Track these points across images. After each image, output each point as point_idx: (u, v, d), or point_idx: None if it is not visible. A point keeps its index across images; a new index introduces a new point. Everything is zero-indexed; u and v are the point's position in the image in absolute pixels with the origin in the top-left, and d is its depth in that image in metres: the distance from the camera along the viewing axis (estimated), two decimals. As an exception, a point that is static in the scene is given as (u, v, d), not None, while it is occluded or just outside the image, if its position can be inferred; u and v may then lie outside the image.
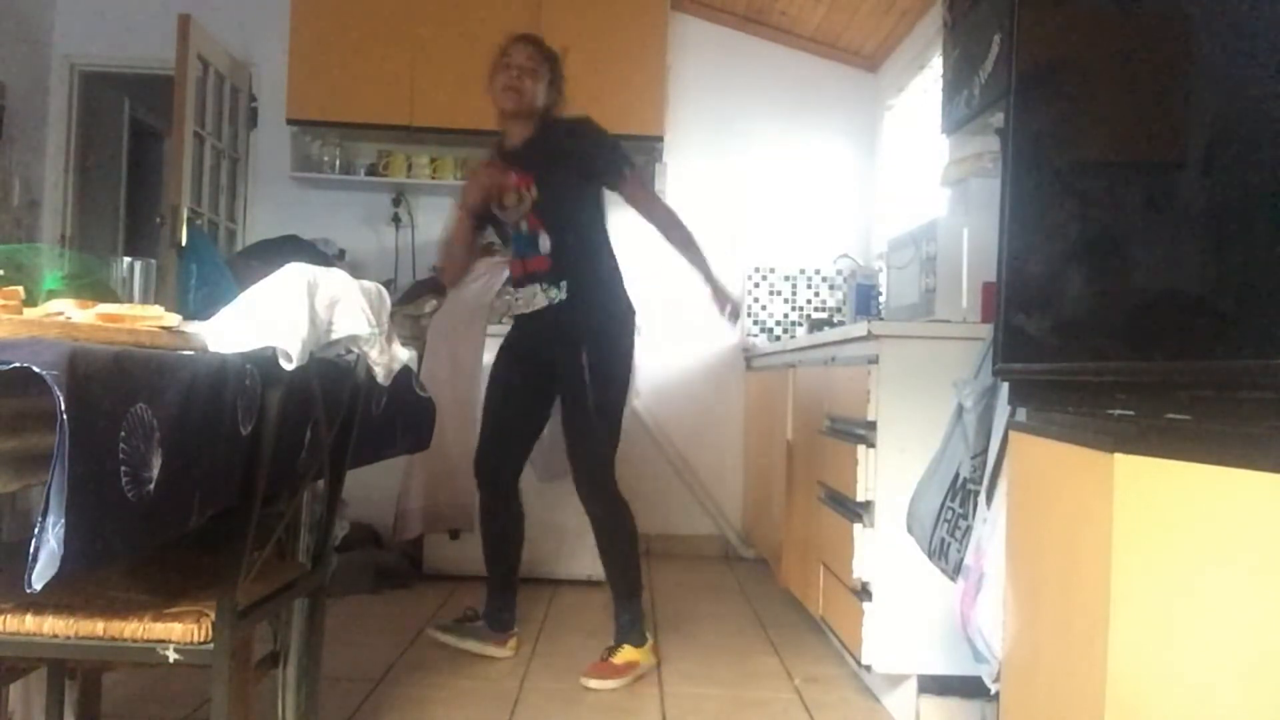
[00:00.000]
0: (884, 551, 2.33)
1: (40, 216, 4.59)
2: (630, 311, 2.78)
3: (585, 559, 3.72)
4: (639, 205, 2.78)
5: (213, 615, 1.32)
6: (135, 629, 1.30)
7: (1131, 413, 1.24)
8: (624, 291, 2.78)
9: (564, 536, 3.77)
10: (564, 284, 2.68)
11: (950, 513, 1.98)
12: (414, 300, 3.96)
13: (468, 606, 2.92)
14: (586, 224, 2.75)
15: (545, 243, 2.69)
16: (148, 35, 4.45)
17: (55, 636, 1.29)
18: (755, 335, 4.73)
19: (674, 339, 4.51)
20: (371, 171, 4.64)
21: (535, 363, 2.76)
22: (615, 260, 2.79)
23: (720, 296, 2.77)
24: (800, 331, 4.66)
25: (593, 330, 2.69)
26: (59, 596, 1.29)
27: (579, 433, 2.69)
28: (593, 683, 2.57)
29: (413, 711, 2.32)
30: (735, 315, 2.80)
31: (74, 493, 0.92)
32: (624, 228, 2.91)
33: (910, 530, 2.11)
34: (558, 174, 2.70)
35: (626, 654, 2.66)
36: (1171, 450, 1.10)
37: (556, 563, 3.78)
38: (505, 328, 3.78)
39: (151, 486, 1.04)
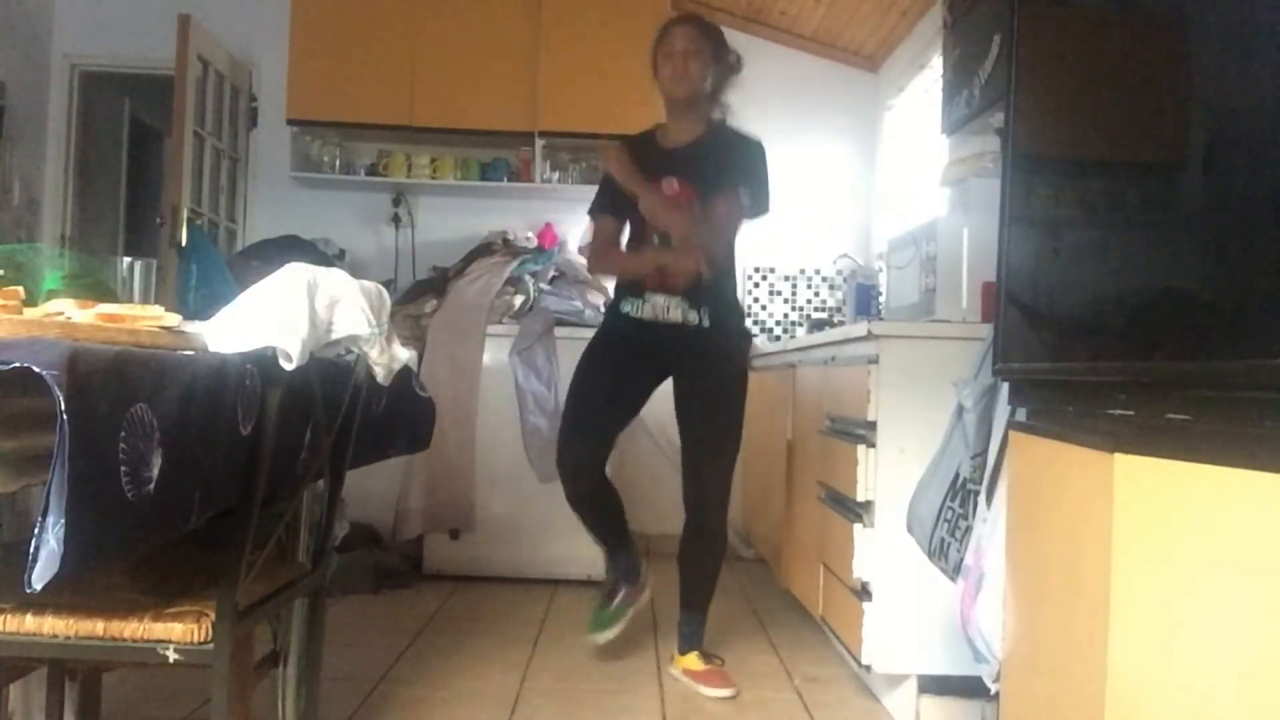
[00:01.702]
0: (884, 551, 2.33)
1: (40, 216, 4.59)
2: (750, 337, 2.84)
3: (585, 559, 3.72)
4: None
5: (213, 615, 1.32)
6: (135, 629, 1.30)
7: (1131, 413, 1.24)
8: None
9: (564, 536, 3.76)
10: (705, 310, 2.60)
11: (950, 513, 1.98)
12: (414, 300, 3.97)
13: (602, 584, 2.87)
14: (731, 249, 2.68)
15: None
16: (148, 35, 4.45)
17: (55, 636, 1.29)
18: (755, 335, 4.73)
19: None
20: (371, 171, 4.65)
21: (652, 366, 2.69)
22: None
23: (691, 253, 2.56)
24: (800, 331, 4.66)
25: (735, 353, 2.69)
26: (59, 596, 1.29)
27: (715, 451, 2.64)
28: (716, 691, 2.54)
29: (413, 711, 2.32)
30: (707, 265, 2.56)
31: (74, 493, 0.92)
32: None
33: (910, 530, 2.11)
34: (723, 194, 2.59)
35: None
36: (1171, 450, 1.10)
37: (556, 563, 3.78)
38: (505, 328, 3.82)
39: (151, 486, 1.04)
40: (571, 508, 2.74)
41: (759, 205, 2.63)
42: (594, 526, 2.82)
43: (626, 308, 2.67)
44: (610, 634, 2.76)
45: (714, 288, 2.60)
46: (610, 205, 2.74)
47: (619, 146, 2.69)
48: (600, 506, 2.76)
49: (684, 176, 2.61)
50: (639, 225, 2.67)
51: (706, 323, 2.60)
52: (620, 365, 2.69)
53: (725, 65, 2.69)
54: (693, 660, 2.65)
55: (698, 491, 2.68)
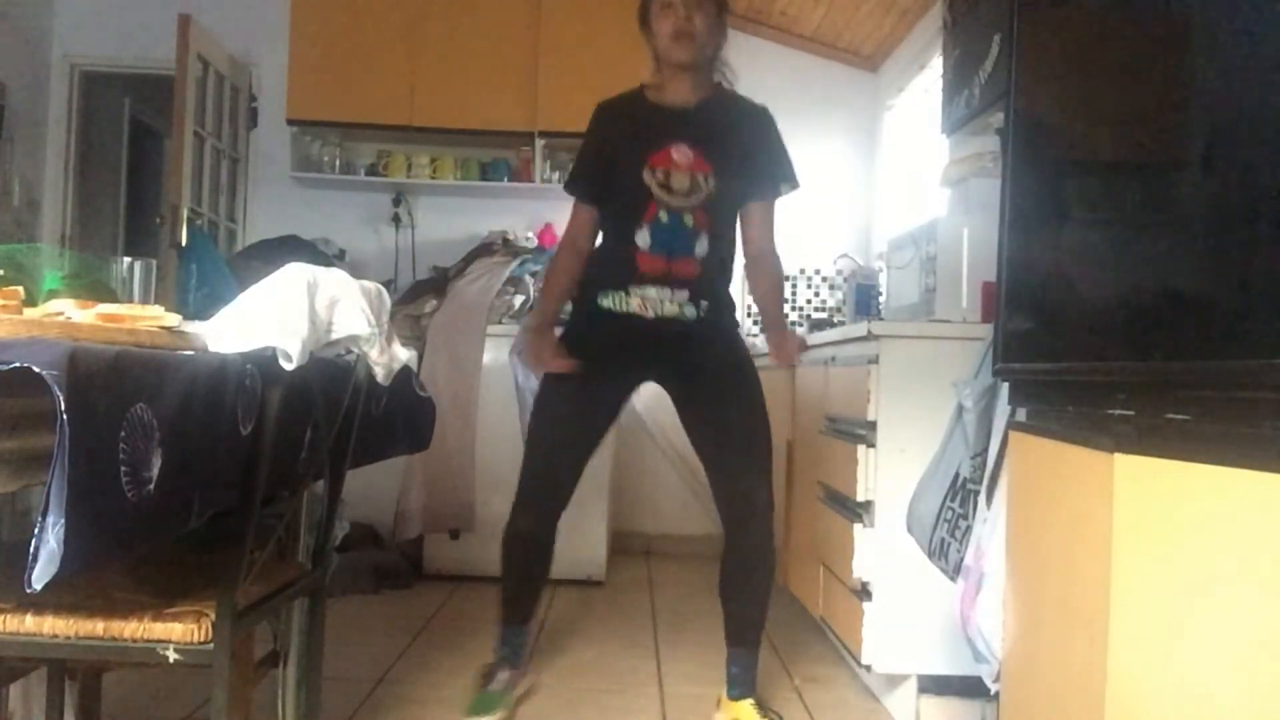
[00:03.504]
0: (884, 551, 2.33)
1: (40, 216, 4.59)
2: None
3: (585, 559, 3.72)
4: (754, 229, 2.36)
5: (213, 615, 1.32)
6: (135, 629, 1.30)
7: (1131, 413, 1.24)
8: None
9: (564, 536, 3.76)
10: (704, 304, 2.26)
11: (950, 513, 1.98)
12: (414, 300, 3.97)
13: (482, 665, 2.43)
14: (734, 233, 2.35)
15: (704, 246, 2.25)
16: (148, 35, 4.45)
17: (55, 636, 1.29)
18: (755, 335, 4.73)
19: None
20: (371, 171, 4.65)
21: (632, 374, 2.36)
22: None
23: (789, 341, 2.34)
24: (800, 331, 4.66)
25: (739, 339, 2.39)
26: (59, 596, 1.29)
27: (748, 446, 2.25)
28: None
29: (413, 711, 2.32)
30: (803, 348, 2.39)
31: (74, 492, 0.92)
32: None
33: (910, 530, 2.11)
34: (737, 169, 2.27)
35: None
36: (1171, 450, 1.10)
37: (556, 563, 3.75)
38: (505, 328, 3.81)
39: (151, 486, 1.04)
40: (504, 547, 2.38)
41: (792, 181, 2.38)
42: (514, 580, 2.41)
43: (606, 303, 2.26)
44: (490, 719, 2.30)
45: (716, 280, 2.30)
46: (591, 180, 2.34)
47: (632, 101, 2.35)
48: (534, 560, 2.39)
49: (695, 143, 2.24)
50: (635, 204, 2.23)
51: (705, 315, 2.27)
52: (594, 385, 2.29)
53: (723, 31, 2.36)
54: (748, 712, 2.25)
55: (739, 502, 2.25)
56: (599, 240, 2.38)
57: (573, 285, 2.37)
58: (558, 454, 2.32)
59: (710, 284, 2.28)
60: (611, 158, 2.29)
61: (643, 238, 2.23)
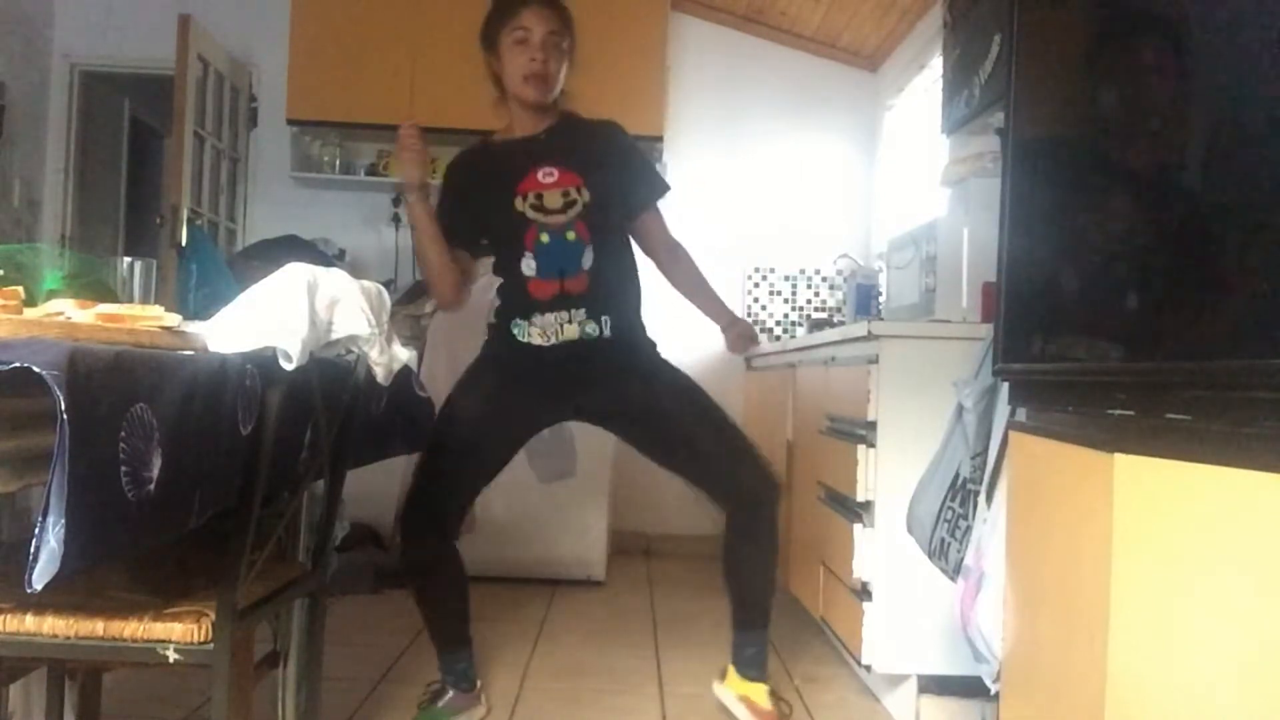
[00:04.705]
0: (884, 551, 2.33)
1: (40, 216, 4.60)
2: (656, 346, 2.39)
3: (586, 559, 3.72)
4: (653, 237, 2.37)
5: (213, 615, 1.32)
6: (135, 629, 1.30)
7: (1131, 413, 1.24)
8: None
9: (564, 536, 3.77)
10: (606, 319, 2.19)
11: (950, 513, 1.98)
12: (414, 300, 3.97)
13: (429, 683, 2.37)
14: (625, 245, 2.32)
15: (590, 258, 2.19)
16: (148, 35, 4.45)
17: (55, 636, 1.29)
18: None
19: (672, 339, 4.50)
20: (371, 171, 4.65)
21: (546, 407, 2.32)
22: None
23: (736, 329, 2.40)
24: (800, 331, 4.66)
25: (651, 347, 2.34)
26: (59, 596, 1.29)
27: (711, 423, 2.24)
28: None
29: (413, 711, 2.32)
30: (752, 341, 2.44)
31: (74, 493, 0.92)
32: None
33: (910, 530, 2.11)
34: (608, 177, 2.24)
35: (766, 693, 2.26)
36: (1171, 450, 1.10)
37: (557, 563, 3.78)
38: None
39: (151, 486, 1.04)
40: (406, 577, 2.33)
41: (663, 185, 2.37)
42: (430, 607, 2.30)
43: (516, 331, 2.21)
44: None
45: (614, 292, 2.23)
46: (452, 230, 2.26)
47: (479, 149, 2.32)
48: (441, 582, 2.28)
49: (558, 161, 2.21)
50: (514, 235, 2.20)
51: (608, 332, 2.19)
52: (503, 408, 2.24)
53: (571, 61, 2.26)
54: (759, 693, 2.24)
55: (727, 479, 2.22)
56: (499, 282, 2.33)
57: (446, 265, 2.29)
58: (462, 449, 2.21)
59: (608, 298, 2.22)
60: (477, 202, 2.26)
61: (528, 265, 2.19)
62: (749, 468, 2.23)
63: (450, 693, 2.30)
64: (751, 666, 2.27)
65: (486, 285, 3.89)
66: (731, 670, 2.30)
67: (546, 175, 2.20)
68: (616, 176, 2.28)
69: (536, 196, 2.19)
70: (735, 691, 2.27)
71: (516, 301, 2.23)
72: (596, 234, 2.20)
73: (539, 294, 2.19)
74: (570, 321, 2.18)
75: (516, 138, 2.28)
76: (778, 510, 2.25)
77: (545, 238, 2.19)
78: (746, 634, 2.27)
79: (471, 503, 2.30)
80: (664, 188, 2.39)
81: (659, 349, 2.35)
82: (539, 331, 2.19)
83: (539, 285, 2.19)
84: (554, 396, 2.27)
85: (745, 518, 2.22)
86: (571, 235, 2.19)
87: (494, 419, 2.25)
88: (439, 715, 2.28)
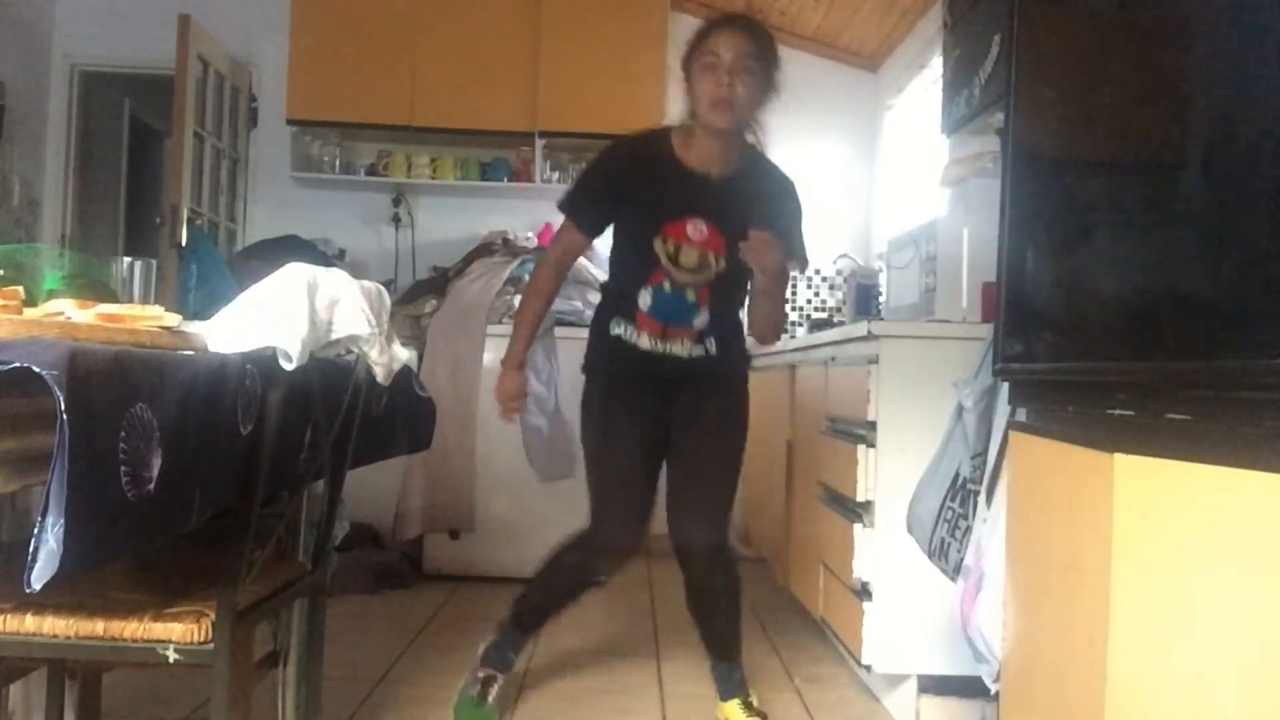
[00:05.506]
0: (884, 551, 2.33)
1: (40, 216, 4.60)
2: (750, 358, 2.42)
3: (585, 559, 3.72)
4: None
5: (213, 615, 1.32)
6: (135, 629, 1.30)
7: (1131, 413, 1.24)
8: None
9: (563, 536, 3.76)
10: (712, 340, 2.22)
11: (950, 513, 1.98)
12: (414, 300, 3.97)
13: (477, 675, 2.36)
14: (739, 303, 2.31)
15: (703, 319, 2.20)
16: (148, 35, 4.45)
17: (55, 636, 1.29)
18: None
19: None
20: (371, 171, 4.65)
21: (660, 401, 2.28)
22: None
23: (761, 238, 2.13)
24: (800, 331, 4.66)
25: (742, 373, 2.33)
26: (59, 596, 1.29)
27: (720, 481, 2.28)
28: None
29: (413, 711, 2.32)
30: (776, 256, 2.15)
31: (74, 493, 0.92)
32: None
33: (910, 530, 2.11)
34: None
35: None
36: (1171, 450, 1.10)
37: (556, 563, 3.77)
38: (506, 328, 3.80)
39: (151, 486, 1.04)
40: (565, 563, 2.39)
41: (801, 258, 2.32)
42: (557, 599, 2.43)
43: (618, 330, 2.23)
44: None
45: (723, 319, 2.24)
46: (594, 211, 2.26)
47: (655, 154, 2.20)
48: (586, 583, 2.42)
49: (713, 220, 2.16)
50: (644, 232, 2.17)
51: (714, 351, 2.23)
52: (638, 404, 2.26)
53: (773, 86, 2.26)
54: (735, 712, 2.29)
55: (702, 534, 2.27)
56: (619, 253, 2.30)
57: (547, 310, 2.37)
58: (633, 453, 2.25)
59: (714, 331, 2.23)
60: (625, 203, 2.22)
61: (644, 299, 2.19)
62: (712, 532, 2.27)
63: (497, 682, 2.34)
64: (736, 686, 2.33)
65: (485, 287, 3.91)
66: (718, 699, 2.35)
67: (696, 230, 2.16)
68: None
69: (675, 247, 2.16)
70: (720, 716, 2.35)
71: (624, 310, 2.23)
72: (716, 296, 2.20)
73: (645, 326, 2.21)
74: (680, 342, 2.21)
75: (690, 168, 2.19)
76: (733, 558, 2.34)
77: (667, 286, 2.18)
78: (721, 666, 2.35)
79: (654, 492, 2.31)
80: (799, 261, 2.32)
81: (749, 366, 2.37)
82: (648, 339, 2.21)
83: (645, 319, 2.21)
84: (661, 397, 2.27)
85: (703, 569, 2.30)
86: (691, 296, 2.18)
87: (637, 421, 2.26)
88: (489, 714, 2.30)
